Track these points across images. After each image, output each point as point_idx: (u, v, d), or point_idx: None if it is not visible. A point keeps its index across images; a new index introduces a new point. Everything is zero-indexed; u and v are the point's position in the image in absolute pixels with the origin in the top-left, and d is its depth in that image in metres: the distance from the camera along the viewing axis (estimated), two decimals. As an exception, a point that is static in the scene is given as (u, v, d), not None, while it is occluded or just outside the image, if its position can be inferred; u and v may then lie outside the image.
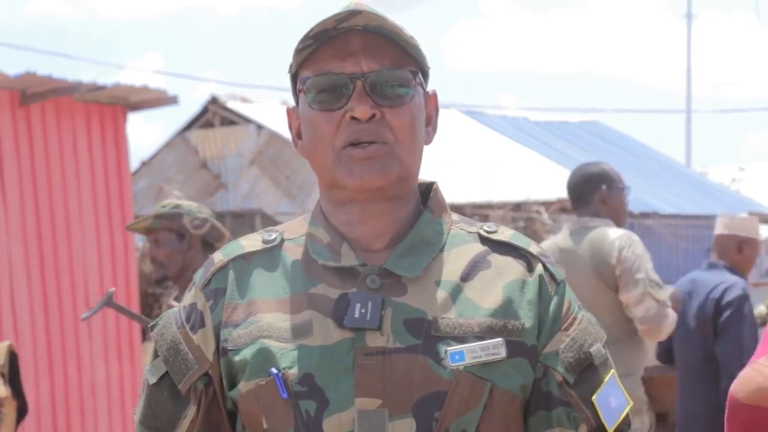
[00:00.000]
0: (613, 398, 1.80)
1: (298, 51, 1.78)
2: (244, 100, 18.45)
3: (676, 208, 22.15)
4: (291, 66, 1.82)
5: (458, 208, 16.50)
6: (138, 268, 12.23)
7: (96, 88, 8.66)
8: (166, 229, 4.65)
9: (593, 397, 1.78)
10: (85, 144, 8.74)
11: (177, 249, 4.64)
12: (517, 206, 18.60)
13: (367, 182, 1.75)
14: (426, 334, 1.73)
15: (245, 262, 1.83)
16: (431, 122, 1.86)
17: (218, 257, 1.85)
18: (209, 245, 4.70)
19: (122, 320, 8.20)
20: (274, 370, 1.73)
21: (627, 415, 1.81)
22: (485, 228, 1.85)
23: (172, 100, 9.86)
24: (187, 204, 4.73)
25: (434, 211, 1.84)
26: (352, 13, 1.74)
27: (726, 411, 2.14)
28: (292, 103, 1.88)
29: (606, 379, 1.80)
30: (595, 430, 1.78)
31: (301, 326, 1.75)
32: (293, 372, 1.72)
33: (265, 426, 1.75)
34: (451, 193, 17.09)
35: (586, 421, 1.77)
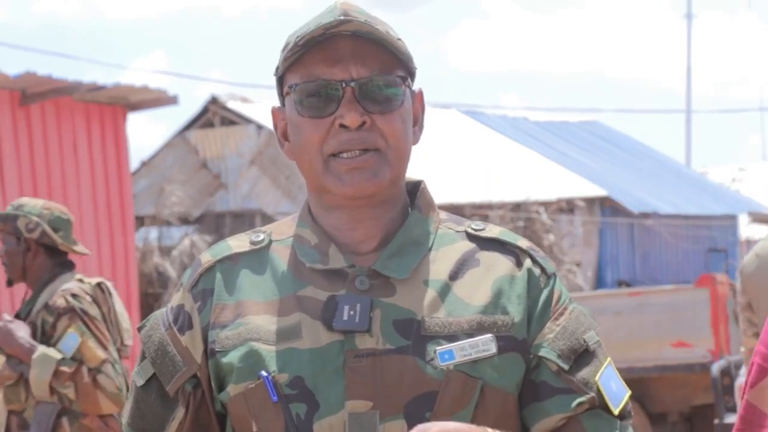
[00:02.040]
0: (613, 383, 1.78)
1: (285, 57, 1.77)
2: (244, 100, 18.46)
3: (676, 208, 22.14)
4: (277, 69, 1.81)
5: (458, 208, 16.50)
6: (138, 268, 12.22)
7: (96, 88, 8.68)
8: (2, 230, 4.50)
9: (596, 378, 1.76)
10: (85, 144, 8.75)
11: (15, 251, 4.47)
12: (517, 206, 18.59)
13: (360, 190, 1.74)
14: (416, 335, 1.73)
15: (233, 263, 1.82)
16: (418, 122, 1.85)
17: (205, 258, 1.84)
18: (56, 250, 4.50)
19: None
20: (263, 373, 1.72)
21: (628, 402, 1.80)
22: (473, 226, 1.84)
23: (172, 100, 9.87)
24: (32, 205, 4.52)
25: (422, 210, 1.83)
26: (341, 22, 1.72)
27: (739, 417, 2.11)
28: None
29: (605, 363, 1.78)
30: (598, 407, 1.75)
31: (290, 329, 1.74)
32: (283, 375, 1.72)
33: (254, 429, 1.74)
34: (451, 193, 17.09)
35: (589, 400, 1.75)
